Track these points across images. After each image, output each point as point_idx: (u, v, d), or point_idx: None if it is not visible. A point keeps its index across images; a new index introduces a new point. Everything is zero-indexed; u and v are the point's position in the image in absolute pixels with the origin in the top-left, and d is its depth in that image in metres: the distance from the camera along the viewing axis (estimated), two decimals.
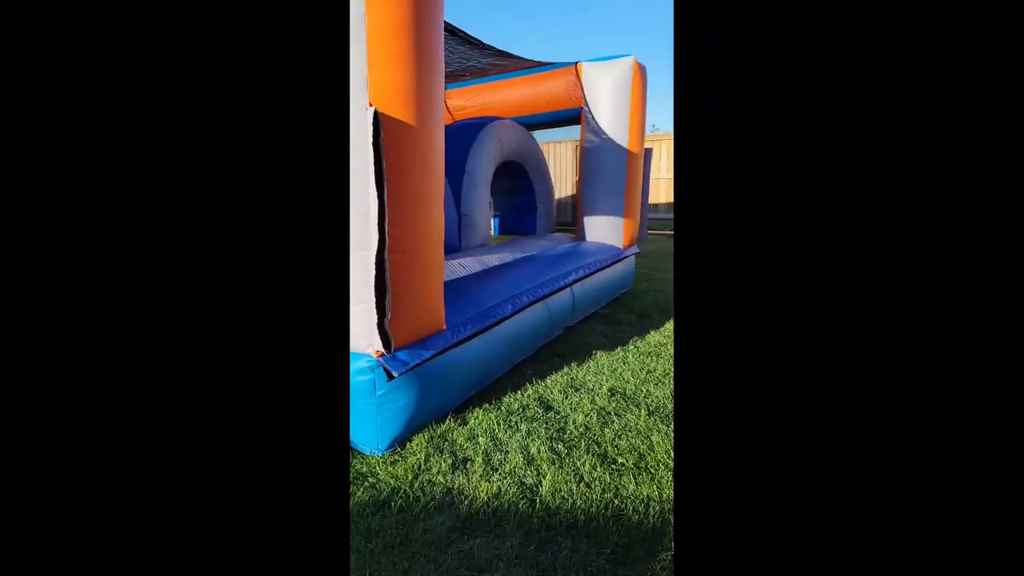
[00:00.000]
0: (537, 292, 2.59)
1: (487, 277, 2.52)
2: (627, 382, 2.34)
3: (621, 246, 3.84)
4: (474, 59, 3.60)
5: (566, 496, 1.53)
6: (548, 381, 2.31)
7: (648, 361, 2.57)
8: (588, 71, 3.69)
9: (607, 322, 3.26)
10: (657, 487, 1.59)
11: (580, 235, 3.90)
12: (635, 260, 4.27)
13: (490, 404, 2.07)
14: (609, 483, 1.59)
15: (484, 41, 3.14)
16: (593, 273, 3.28)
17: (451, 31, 2.83)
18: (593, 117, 3.70)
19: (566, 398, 2.15)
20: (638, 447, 1.79)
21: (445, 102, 4.80)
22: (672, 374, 2.40)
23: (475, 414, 1.98)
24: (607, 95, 3.66)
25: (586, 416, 2.00)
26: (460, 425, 1.91)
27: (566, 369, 2.45)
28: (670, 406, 2.11)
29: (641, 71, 3.67)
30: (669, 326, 3.13)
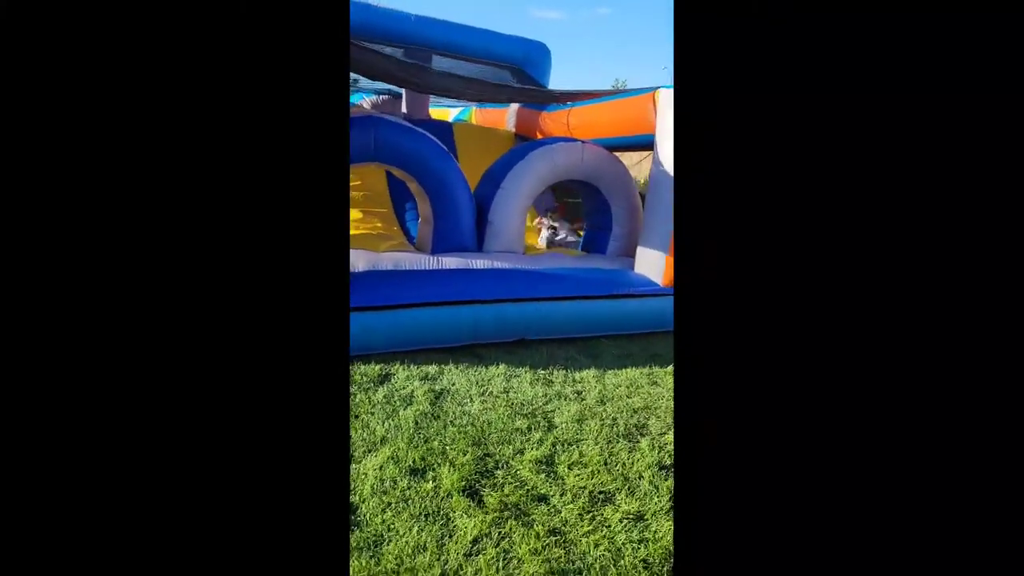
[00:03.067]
0: (457, 295, 2.95)
1: (415, 276, 3.02)
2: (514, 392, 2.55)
3: (660, 283, 3.59)
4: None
5: None
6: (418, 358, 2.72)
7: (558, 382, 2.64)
8: (662, 97, 3.53)
9: (588, 347, 3.25)
10: None
11: (635, 263, 3.79)
12: None
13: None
14: None
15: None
16: (580, 298, 3.30)
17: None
18: (657, 146, 3.54)
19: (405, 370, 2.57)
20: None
21: (539, 123, 5.10)
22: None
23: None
24: (667, 122, 3.44)
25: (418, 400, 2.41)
26: None
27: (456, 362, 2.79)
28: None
29: None
30: (653, 369, 2.95)
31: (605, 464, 2.04)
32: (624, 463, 2.05)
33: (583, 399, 2.60)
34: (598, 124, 4.34)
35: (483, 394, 2.55)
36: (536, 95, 4.54)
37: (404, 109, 5.60)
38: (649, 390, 2.75)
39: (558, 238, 4.40)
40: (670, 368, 3.07)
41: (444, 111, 7.10)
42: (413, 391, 2.51)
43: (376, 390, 2.49)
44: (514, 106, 5.77)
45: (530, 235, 4.62)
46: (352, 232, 3.88)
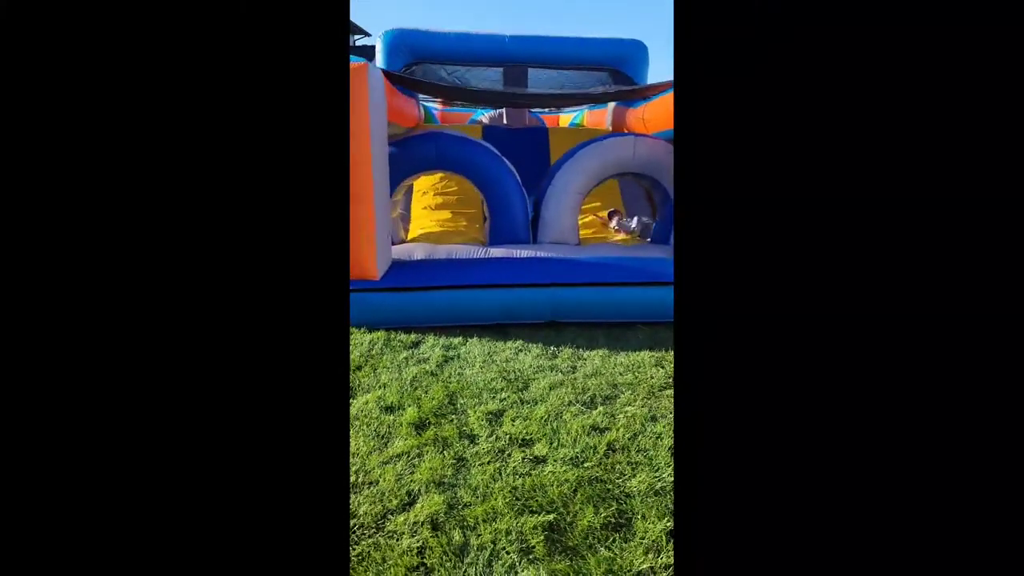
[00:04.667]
0: (492, 279, 3.39)
1: (457, 264, 3.54)
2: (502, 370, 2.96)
3: None
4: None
5: None
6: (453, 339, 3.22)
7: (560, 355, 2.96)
8: None
9: (617, 332, 3.41)
10: None
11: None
12: None
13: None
14: None
15: None
16: (608, 285, 3.47)
17: None
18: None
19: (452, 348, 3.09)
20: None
21: (626, 121, 5.08)
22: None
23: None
24: None
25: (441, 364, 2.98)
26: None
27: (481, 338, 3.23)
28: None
29: None
30: (666, 353, 3.06)
31: (545, 421, 2.32)
32: (565, 422, 2.31)
33: (573, 372, 2.85)
34: (666, 116, 4.36)
35: (485, 362, 2.97)
36: (606, 96, 4.72)
37: (505, 120, 6.22)
38: (647, 371, 2.86)
39: (632, 227, 4.53)
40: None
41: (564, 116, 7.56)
42: (430, 356, 3.05)
43: (401, 352, 3.10)
44: (611, 105, 5.95)
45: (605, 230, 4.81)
46: (436, 230, 4.60)
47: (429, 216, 4.80)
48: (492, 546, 1.58)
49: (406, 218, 4.98)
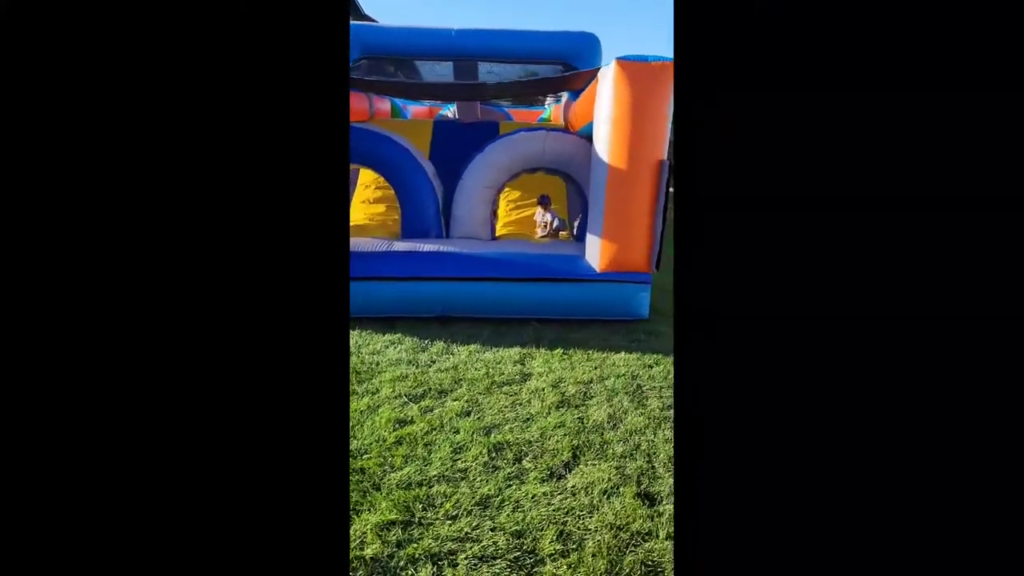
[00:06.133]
0: (381, 272, 3.43)
1: (370, 257, 3.59)
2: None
3: (597, 269, 3.47)
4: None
5: None
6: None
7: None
8: (603, 76, 3.42)
9: (496, 327, 3.40)
10: None
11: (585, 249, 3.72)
12: (646, 290, 3.53)
13: None
14: None
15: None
16: (495, 280, 3.46)
17: None
18: (595, 129, 3.44)
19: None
20: None
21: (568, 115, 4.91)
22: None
23: None
24: (602, 102, 3.31)
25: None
26: None
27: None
28: None
29: (627, 72, 3.07)
30: (529, 350, 3.03)
31: (362, 412, 2.35)
32: (380, 415, 2.33)
33: (428, 367, 2.86)
34: (587, 111, 4.28)
35: (352, 353, 3.02)
36: (535, 87, 4.66)
37: (455, 115, 6.22)
38: (502, 367, 2.85)
39: (555, 226, 4.47)
40: (547, 350, 3.06)
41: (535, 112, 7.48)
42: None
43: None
44: (565, 99, 5.87)
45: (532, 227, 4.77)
46: (364, 222, 4.67)
47: (364, 209, 4.88)
48: None
49: None
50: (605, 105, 3.29)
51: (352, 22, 5.41)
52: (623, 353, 3.04)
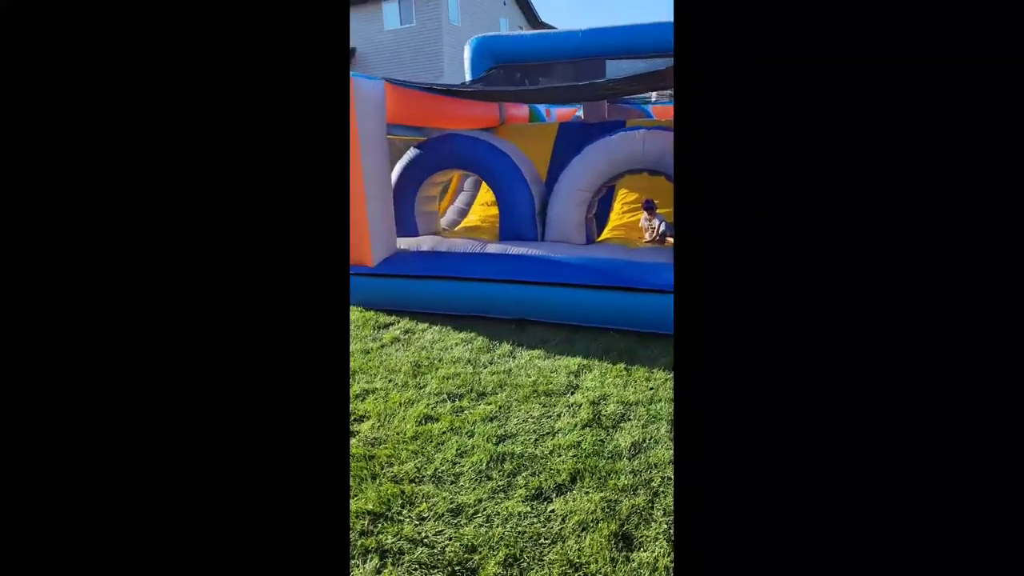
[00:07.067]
0: (464, 272, 3.57)
1: (448, 257, 3.79)
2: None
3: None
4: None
5: None
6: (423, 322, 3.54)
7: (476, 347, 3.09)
8: None
9: (572, 333, 3.29)
10: None
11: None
12: None
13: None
14: None
15: None
16: (576, 286, 3.36)
17: None
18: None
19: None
20: None
21: None
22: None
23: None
24: None
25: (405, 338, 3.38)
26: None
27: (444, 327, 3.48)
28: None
29: None
30: (590, 361, 2.93)
31: (396, 403, 2.52)
32: (403, 407, 2.48)
33: (484, 366, 2.92)
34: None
35: (423, 347, 3.23)
36: (646, 81, 4.35)
37: (581, 115, 6.07)
38: (554, 377, 2.78)
39: (662, 231, 4.15)
40: (609, 363, 2.88)
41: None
42: (383, 336, 3.43)
43: (365, 329, 3.54)
44: None
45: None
46: (477, 224, 4.90)
47: (483, 211, 5.12)
48: None
49: (464, 212, 5.39)
50: None
51: (525, 32, 5.67)
52: None
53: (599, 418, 2.34)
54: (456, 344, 3.26)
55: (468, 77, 5.66)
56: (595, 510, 1.74)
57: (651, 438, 2.17)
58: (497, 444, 2.15)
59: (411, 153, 4.26)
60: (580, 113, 6.85)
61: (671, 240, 4.16)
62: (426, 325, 3.58)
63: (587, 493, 1.84)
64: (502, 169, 4.06)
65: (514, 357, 3.06)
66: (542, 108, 7.14)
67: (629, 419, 2.34)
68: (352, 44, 15.62)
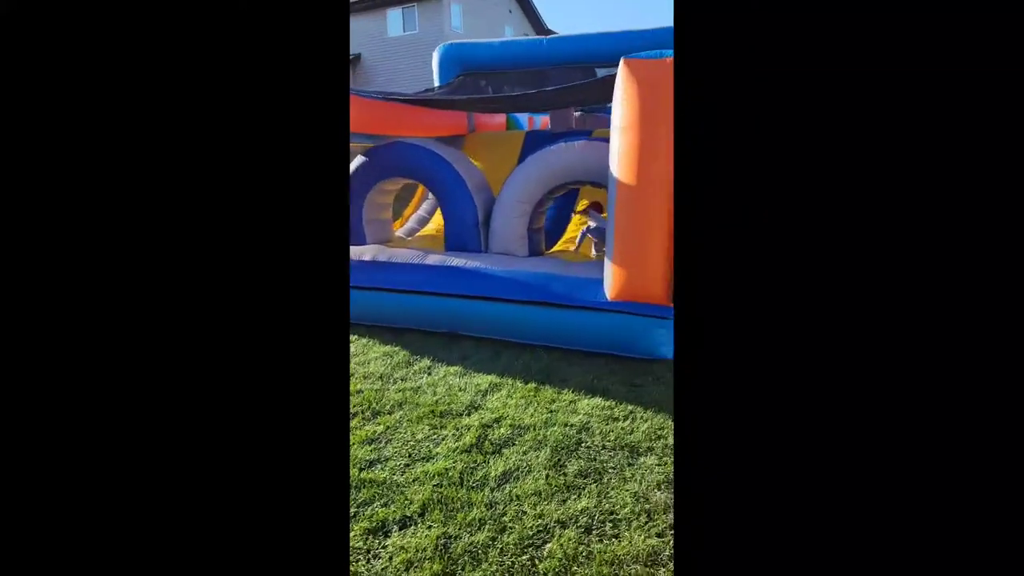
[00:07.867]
0: (395, 284, 3.49)
1: (383, 266, 3.72)
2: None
3: (608, 296, 3.01)
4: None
5: None
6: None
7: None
8: (621, 72, 2.96)
9: (501, 349, 3.18)
10: None
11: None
12: (666, 326, 2.91)
13: None
14: None
15: None
16: (506, 301, 3.25)
17: None
18: (612, 136, 3.01)
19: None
20: None
21: None
22: None
23: None
24: (614, 109, 2.86)
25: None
26: None
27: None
28: None
29: (635, 73, 2.58)
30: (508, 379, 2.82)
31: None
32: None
33: (397, 383, 2.83)
34: None
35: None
36: (593, 89, 4.23)
37: (549, 126, 5.97)
38: (450, 396, 2.68)
39: (585, 229, 4.03)
40: (520, 382, 2.76)
41: None
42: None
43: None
44: None
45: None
46: (432, 233, 4.83)
47: (440, 221, 5.05)
48: None
49: (425, 220, 5.32)
50: (615, 112, 2.85)
51: (449, 43, 5.61)
52: (598, 399, 2.59)
53: (482, 443, 2.23)
54: (376, 358, 3.18)
55: (436, 84, 5.61)
56: (427, 548, 1.63)
57: (526, 466, 2.06)
58: (362, 470, 2.05)
59: (357, 161, 4.20)
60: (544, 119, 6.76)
61: (595, 251, 4.03)
62: (354, 337, 3.50)
63: (430, 528, 1.73)
64: (444, 177, 3.97)
65: (430, 373, 2.97)
66: (524, 117, 7.06)
67: (513, 444, 2.22)
68: (355, 50, 15.74)
